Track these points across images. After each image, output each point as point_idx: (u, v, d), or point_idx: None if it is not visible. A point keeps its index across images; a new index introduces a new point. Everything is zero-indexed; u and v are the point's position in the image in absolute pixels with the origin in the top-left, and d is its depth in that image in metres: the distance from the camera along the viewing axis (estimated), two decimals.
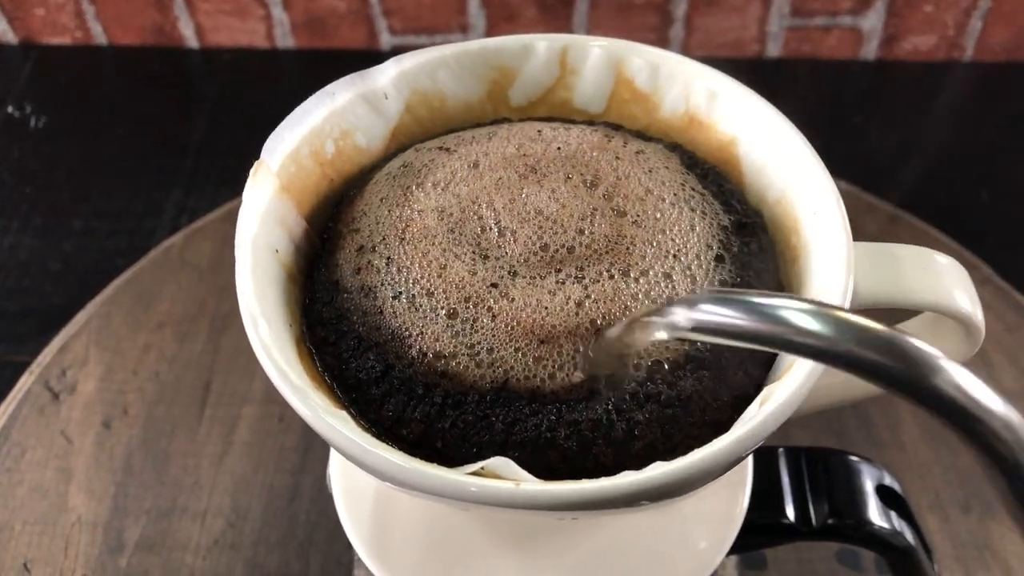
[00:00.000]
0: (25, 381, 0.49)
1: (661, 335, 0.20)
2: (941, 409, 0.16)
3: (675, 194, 0.26)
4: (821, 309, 0.17)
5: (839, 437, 0.46)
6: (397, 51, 0.70)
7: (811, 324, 0.17)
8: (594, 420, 0.22)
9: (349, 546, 0.36)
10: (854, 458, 0.35)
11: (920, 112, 0.67)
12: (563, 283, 0.24)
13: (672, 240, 0.25)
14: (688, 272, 0.25)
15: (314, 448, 0.46)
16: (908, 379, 0.16)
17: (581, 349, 0.23)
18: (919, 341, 0.16)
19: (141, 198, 0.61)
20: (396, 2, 0.67)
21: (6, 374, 0.51)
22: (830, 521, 0.34)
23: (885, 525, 0.33)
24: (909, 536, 0.34)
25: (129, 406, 0.48)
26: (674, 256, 0.25)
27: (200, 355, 0.50)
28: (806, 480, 0.35)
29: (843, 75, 0.69)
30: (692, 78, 0.29)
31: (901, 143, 0.65)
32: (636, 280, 0.24)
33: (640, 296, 0.24)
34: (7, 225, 0.60)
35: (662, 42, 0.68)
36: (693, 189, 0.27)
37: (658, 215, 0.25)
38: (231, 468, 0.46)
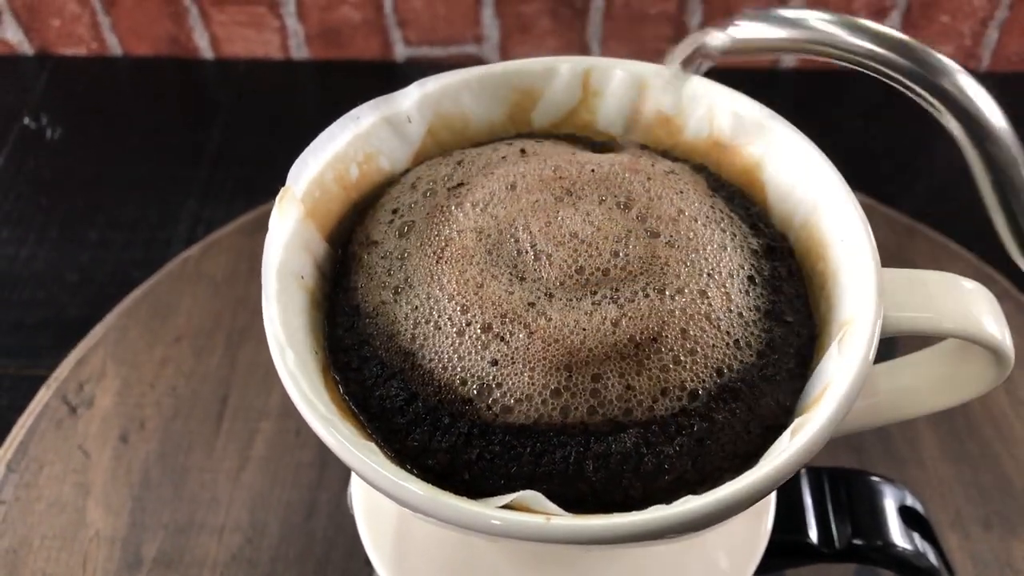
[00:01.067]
0: (43, 395, 0.49)
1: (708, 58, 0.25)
2: (946, 104, 0.20)
3: (706, 215, 0.26)
4: (847, 19, 0.22)
5: (859, 453, 0.46)
6: (411, 62, 0.70)
7: (840, 31, 0.22)
8: (623, 453, 0.22)
9: (367, 563, 0.36)
10: (876, 479, 0.35)
11: (936, 122, 0.66)
12: (599, 304, 0.24)
13: (706, 259, 0.25)
14: (723, 289, 0.24)
15: (331, 464, 0.46)
16: (922, 77, 0.20)
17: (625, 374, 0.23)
18: (932, 49, 0.20)
19: (156, 209, 0.61)
20: (411, 13, 0.67)
21: (23, 387, 0.51)
22: (853, 542, 0.34)
23: (908, 547, 0.33)
24: (932, 557, 0.34)
25: (146, 420, 0.48)
26: (708, 275, 0.25)
27: (217, 369, 0.50)
28: (828, 501, 0.34)
29: (858, 85, 0.68)
30: (716, 101, 0.29)
31: (917, 154, 0.65)
32: (672, 298, 0.24)
33: (677, 312, 0.24)
34: (23, 236, 0.60)
35: None
36: (721, 211, 0.27)
37: (691, 235, 0.25)
38: (248, 483, 0.46)
